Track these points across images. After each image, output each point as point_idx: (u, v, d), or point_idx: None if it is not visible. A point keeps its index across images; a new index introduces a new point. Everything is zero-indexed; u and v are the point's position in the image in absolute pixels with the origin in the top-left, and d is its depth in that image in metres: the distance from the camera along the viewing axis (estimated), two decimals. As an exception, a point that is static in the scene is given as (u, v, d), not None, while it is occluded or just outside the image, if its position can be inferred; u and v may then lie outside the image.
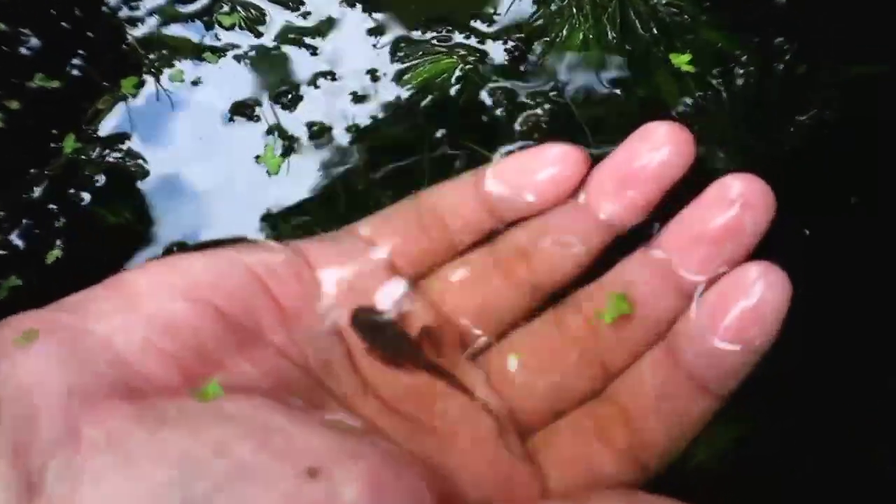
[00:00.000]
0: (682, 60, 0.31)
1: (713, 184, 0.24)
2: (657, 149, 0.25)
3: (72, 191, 0.30)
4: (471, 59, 0.31)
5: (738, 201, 0.24)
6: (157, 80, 0.32)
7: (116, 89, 0.32)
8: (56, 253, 0.28)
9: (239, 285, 0.23)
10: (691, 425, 0.24)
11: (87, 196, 0.30)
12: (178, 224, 0.29)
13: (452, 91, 0.31)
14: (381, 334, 0.24)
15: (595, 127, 0.29)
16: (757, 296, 0.23)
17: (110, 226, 0.29)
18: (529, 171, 0.26)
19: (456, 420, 0.24)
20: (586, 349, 0.25)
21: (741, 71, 0.30)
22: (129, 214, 0.29)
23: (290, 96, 0.31)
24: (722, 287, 0.23)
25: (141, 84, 0.32)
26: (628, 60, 0.31)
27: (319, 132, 0.31)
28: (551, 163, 0.26)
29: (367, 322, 0.24)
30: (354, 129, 0.31)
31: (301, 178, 0.30)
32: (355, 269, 0.25)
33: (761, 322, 0.23)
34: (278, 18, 0.33)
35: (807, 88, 0.30)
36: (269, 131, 0.31)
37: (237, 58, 0.32)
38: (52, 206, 0.29)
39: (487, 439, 0.23)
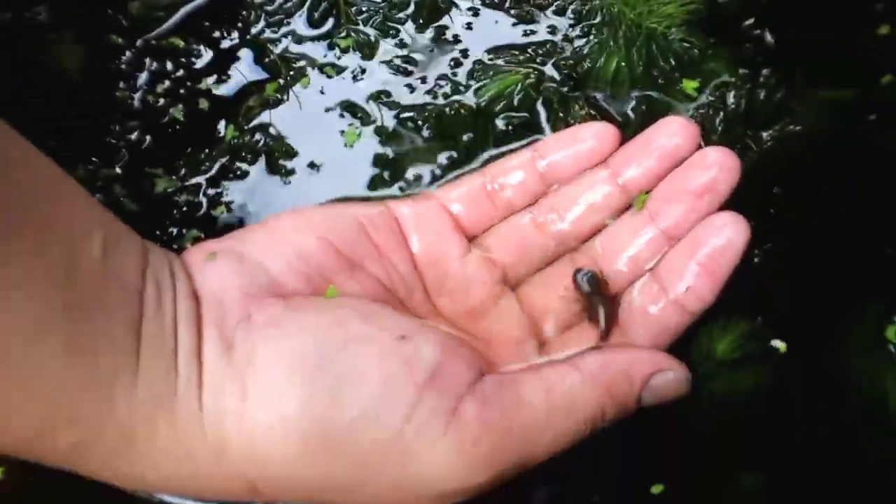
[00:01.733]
0: (690, 86, 0.40)
1: (695, 153, 0.33)
2: (671, 136, 0.34)
3: (234, 164, 0.40)
4: (532, 76, 0.41)
5: (714, 165, 0.33)
6: (292, 87, 0.43)
7: (263, 93, 0.43)
8: (222, 209, 0.39)
9: (347, 228, 0.32)
10: (668, 334, 0.32)
11: (246, 167, 0.40)
12: (309, 188, 0.39)
13: (515, 101, 0.41)
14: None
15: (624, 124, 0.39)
16: (725, 235, 0.31)
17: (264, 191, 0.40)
18: (572, 143, 0.35)
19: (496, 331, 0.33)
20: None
21: (734, 93, 0.40)
22: (278, 182, 0.40)
23: (386, 98, 0.42)
24: (699, 227, 0.32)
25: (281, 89, 0.43)
26: (650, 83, 0.41)
27: (406, 122, 0.41)
28: (589, 137, 0.35)
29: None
30: (438, 119, 0.41)
31: (390, 158, 0.40)
32: (432, 225, 0.34)
33: (726, 257, 0.31)
34: (382, 44, 0.44)
35: (782, 109, 0.39)
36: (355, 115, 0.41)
37: (352, 75, 0.43)
38: (219, 176, 0.40)
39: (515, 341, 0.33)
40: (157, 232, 0.38)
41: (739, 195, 0.34)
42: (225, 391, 0.26)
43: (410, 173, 0.39)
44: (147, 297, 0.27)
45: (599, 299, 0.32)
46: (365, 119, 0.41)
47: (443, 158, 0.40)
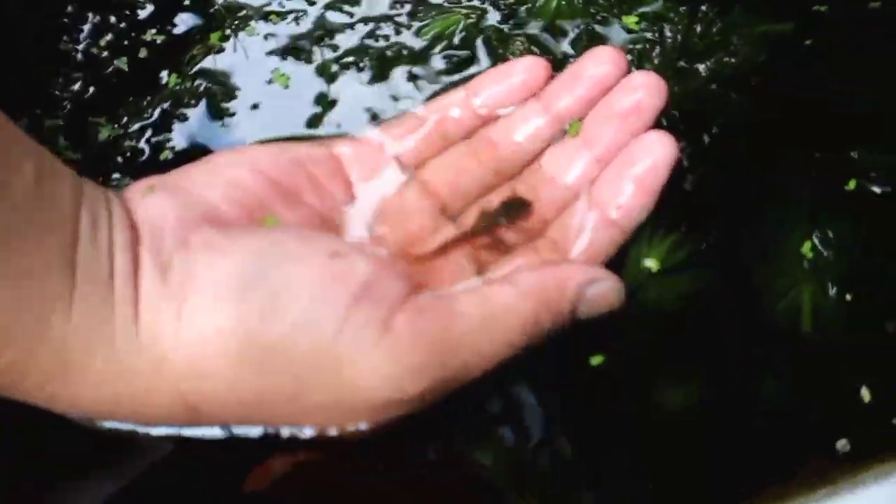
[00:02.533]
0: (631, 21, 0.41)
1: (623, 79, 0.34)
2: (601, 64, 0.35)
3: (177, 110, 0.41)
4: (472, 16, 0.42)
5: (640, 88, 0.34)
6: (236, 35, 0.43)
7: (207, 41, 0.43)
8: (167, 153, 0.39)
9: (284, 162, 0.33)
10: (602, 252, 0.33)
11: (189, 112, 0.40)
12: (251, 128, 0.40)
13: (456, 40, 0.41)
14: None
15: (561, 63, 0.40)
16: (654, 153, 0.32)
17: (206, 135, 0.40)
18: (504, 78, 0.36)
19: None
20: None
21: (671, 27, 0.40)
22: (220, 125, 0.40)
23: (329, 40, 0.42)
24: (629, 147, 0.33)
25: (225, 38, 0.43)
26: (590, 21, 0.41)
27: (348, 64, 0.41)
28: (520, 72, 0.36)
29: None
30: (380, 61, 0.41)
31: (330, 100, 0.40)
32: (371, 161, 0.36)
33: (656, 174, 0.32)
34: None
35: (719, 42, 0.40)
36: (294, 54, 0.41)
37: (296, 18, 0.43)
38: (161, 122, 0.40)
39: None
40: (101, 179, 0.38)
41: (673, 122, 0.34)
42: (161, 311, 0.27)
43: (351, 114, 0.40)
44: (82, 224, 0.27)
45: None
46: (307, 60, 0.41)
47: (383, 99, 0.40)
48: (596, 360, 0.32)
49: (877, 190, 0.35)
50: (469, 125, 0.37)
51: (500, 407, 0.32)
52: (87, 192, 0.29)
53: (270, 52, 0.42)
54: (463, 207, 0.35)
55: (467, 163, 0.36)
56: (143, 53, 0.42)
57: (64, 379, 0.26)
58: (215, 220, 0.30)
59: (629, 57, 0.39)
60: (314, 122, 0.39)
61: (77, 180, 0.29)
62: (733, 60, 0.39)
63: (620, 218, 0.33)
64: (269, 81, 0.41)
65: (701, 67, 0.39)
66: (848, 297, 0.32)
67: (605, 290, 0.31)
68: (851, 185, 0.35)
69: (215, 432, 0.29)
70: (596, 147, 0.34)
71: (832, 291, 0.33)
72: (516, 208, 0.34)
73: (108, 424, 0.29)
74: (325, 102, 0.40)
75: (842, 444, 0.30)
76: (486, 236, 0.34)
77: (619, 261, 0.33)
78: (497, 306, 0.29)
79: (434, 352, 0.28)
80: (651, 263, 0.34)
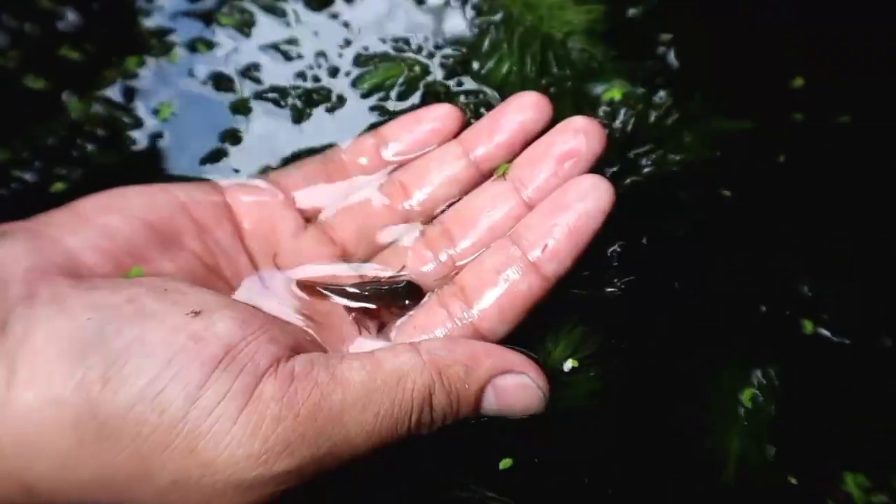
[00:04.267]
0: (614, 93, 0.38)
1: (561, 122, 0.32)
2: (523, 110, 0.33)
3: (77, 140, 0.37)
4: (416, 68, 0.39)
5: (579, 132, 0.31)
6: (157, 60, 0.39)
7: (122, 64, 0.39)
8: (60, 185, 0.36)
9: (164, 206, 0.30)
10: (520, 299, 0.30)
11: (89, 145, 0.37)
12: (152, 161, 0.36)
13: (395, 92, 0.38)
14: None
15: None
16: (589, 198, 0.30)
17: (103, 166, 0.37)
18: (417, 124, 0.34)
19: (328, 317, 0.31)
20: (443, 257, 0.32)
21: (625, 111, 0.37)
22: (117, 158, 0.37)
23: (255, 74, 0.39)
24: (562, 190, 0.30)
25: (142, 63, 0.39)
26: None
27: (277, 100, 0.38)
28: (434, 118, 0.34)
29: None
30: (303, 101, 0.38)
31: (238, 136, 0.37)
32: (262, 201, 0.33)
33: (590, 219, 0.29)
34: (265, 22, 0.40)
35: (671, 133, 0.37)
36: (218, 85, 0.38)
37: (225, 51, 0.40)
38: (59, 149, 0.37)
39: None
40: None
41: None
42: None
43: (256, 154, 0.37)
44: None
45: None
46: (226, 90, 0.38)
47: (296, 140, 0.37)
48: (504, 464, 0.29)
49: (831, 336, 0.31)
50: (378, 170, 0.34)
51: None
52: None
53: (187, 82, 0.39)
54: (368, 255, 0.33)
55: (375, 209, 0.33)
56: (56, 72, 0.38)
57: None
58: (73, 270, 0.26)
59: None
60: (214, 157, 0.36)
61: None
62: (683, 156, 0.36)
63: (544, 262, 0.29)
64: (173, 114, 0.38)
65: (649, 160, 0.36)
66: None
67: (524, 387, 0.28)
68: (808, 327, 0.32)
69: None
70: (525, 189, 0.32)
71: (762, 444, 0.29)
72: (403, 295, 0.31)
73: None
74: (233, 138, 0.37)
75: None
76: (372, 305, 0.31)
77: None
78: (387, 374, 0.26)
79: (305, 424, 0.25)
80: (568, 363, 0.30)
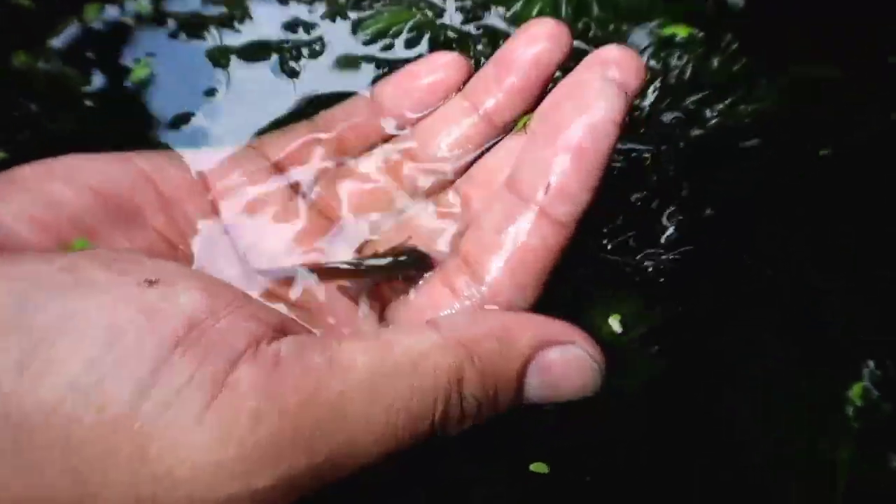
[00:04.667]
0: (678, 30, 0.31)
1: (592, 53, 0.25)
2: (533, 43, 0.26)
3: (20, 99, 0.31)
4: (428, 12, 0.33)
5: (613, 65, 0.24)
6: (121, 7, 0.33)
7: (81, 13, 0.33)
8: (1, 153, 0.30)
9: (123, 176, 0.24)
10: (532, 256, 0.23)
11: (32, 105, 0.31)
12: (108, 125, 0.30)
13: (401, 40, 0.32)
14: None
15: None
16: (592, 110, 0.23)
17: (56, 132, 0.30)
18: (414, 79, 0.28)
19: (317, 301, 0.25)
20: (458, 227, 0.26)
21: (679, 55, 0.31)
22: (72, 123, 0.30)
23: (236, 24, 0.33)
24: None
25: (102, 10, 0.33)
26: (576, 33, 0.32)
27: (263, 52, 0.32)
28: (433, 70, 0.28)
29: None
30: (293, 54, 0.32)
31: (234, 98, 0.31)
32: (241, 175, 0.27)
33: (599, 138, 0.23)
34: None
35: (739, 81, 0.30)
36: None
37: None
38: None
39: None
40: None
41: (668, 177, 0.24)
42: None
43: (239, 116, 0.30)
44: None
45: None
46: (200, 39, 0.32)
47: (284, 100, 0.30)
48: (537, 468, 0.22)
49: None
50: (374, 135, 0.28)
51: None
52: None
53: (153, 31, 0.32)
54: (368, 233, 0.27)
55: (375, 179, 0.27)
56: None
57: None
58: (3, 242, 0.20)
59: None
60: (180, 122, 0.30)
61: None
62: (755, 107, 0.29)
63: (552, 204, 0.23)
64: (137, 67, 0.31)
65: (713, 110, 0.30)
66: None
67: (576, 361, 0.21)
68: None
69: None
70: (559, 142, 0.24)
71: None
72: (408, 265, 0.25)
73: None
74: (210, 95, 0.31)
75: None
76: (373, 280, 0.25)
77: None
78: (401, 356, 0.20)
79: (296, 423, 0.18)
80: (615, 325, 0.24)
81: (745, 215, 0.28)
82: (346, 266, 0.25)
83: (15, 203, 0.22)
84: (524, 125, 0.26)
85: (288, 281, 0.25)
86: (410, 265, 0.25)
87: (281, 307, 0.24)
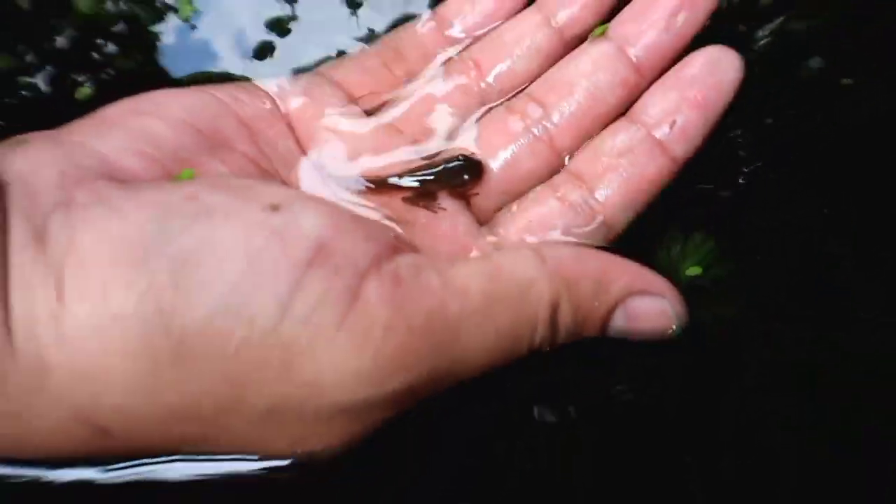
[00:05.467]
0: None
1: None
2: None
3: (96, 39, 0.32)
4: None
5: None
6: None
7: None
8: (86, 90, 0.31)
9: (207, 107, 0.26)
10: (647, 184, 0.26)
11: (107, 43, 0.32)
12: (184, 60, 0.31)
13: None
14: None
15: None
16: (718, 68, 0.26)
17: (127, 70, 0.31)
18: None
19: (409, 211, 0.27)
20: (536, 131, 0.28)
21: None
22: (142, 57, 0.31)
23: None
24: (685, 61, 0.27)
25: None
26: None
27: None
28: None
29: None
30: None
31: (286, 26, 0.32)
32: (317, 102, 0.28)
33: (720, 92, 0.26)
34: None
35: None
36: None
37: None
38: (72, 52, 0.31)
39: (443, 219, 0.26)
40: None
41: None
42: (36, 290, 0.19)
43: (306, 46, 0.32)
44: None
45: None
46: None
47: (348, 27, 0.32)
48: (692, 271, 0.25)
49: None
50: (440, 52, 0.30)
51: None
52: None
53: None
54: (441, 145, 0.28)
55: (446, 92, 0.29)
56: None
57: None
58: (113, 175, 0.22)
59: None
60: (261, 53, 0.31)
61: None
62: (801, 25, 0.30)
63: (673, 141, 0.26)
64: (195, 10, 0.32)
65: (760, 32, 0.31)
66: None
67: (657, 310, 0.24)
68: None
69: (140, 465, 0.21)
70: (633, 48, 0.27)
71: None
72: (461, 171, 0.27)
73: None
74: (281, 28, 0.31)
75: None
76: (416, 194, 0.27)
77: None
78: (510, 283, 0.22)
79: (422, 335, 0.21)
80: (692, 271, 0.26)
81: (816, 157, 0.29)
82: (394, 179, 0.27)
83: (115, 139, 0.23)
84: (603, 32, 0.28)
85: (385, 192, 0.27)
86: (462, 171, 0.26)
87: (387, 222, 0.26)
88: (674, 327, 0.24)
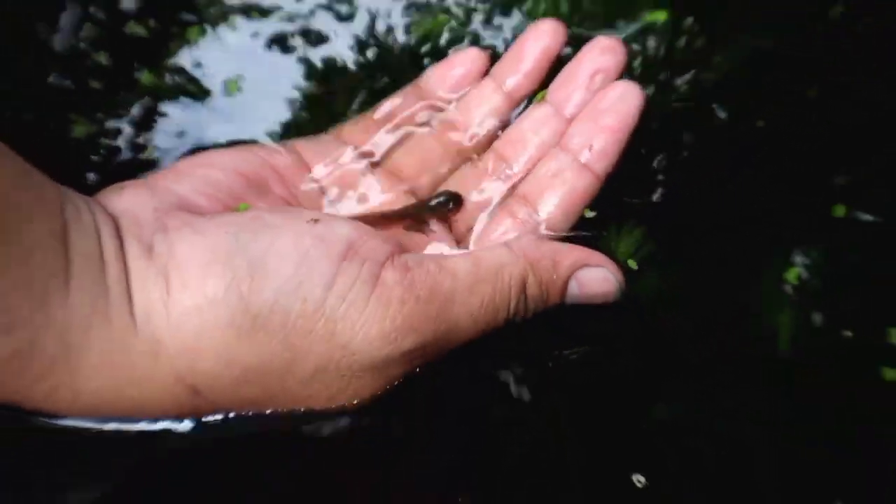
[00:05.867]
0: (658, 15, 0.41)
1: (588, 43, 0.36)
2: (541, 38, 0.37)
3: (158, 107, 0.40)
4: (461, 17, 0.42)
5: (603, 51, 0.36)
6: (215, 28, 0.42)
7: (184, 35, 0.42)
8: (151, 152, 0.39)
9: (250, 160, 0.34)
10: (578, 197, 0.34)
11: (167, 108, 0.40)
12: (225, 128, 0.40)
13: (444, 39, 0.42)
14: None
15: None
16: (623, 99, 0.34)
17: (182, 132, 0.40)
18: (450, 70, 0.38)
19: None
20: (496, 176, 0.36)
21: (656, 37, 0.40)
22: (193, 126, 0.40)
23: (315, 36, 0.42)
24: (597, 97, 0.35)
25: (203, 32, 0.42)
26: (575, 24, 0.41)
27: (331, 64, 0.41)
28: (463, 62, 0.38)
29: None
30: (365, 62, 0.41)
31: (305, 100, 0.41)
32: (330, 152, 0.36)
33: (627, 116, 0.34)
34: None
35: (701, 54, 0.40)
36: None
37: (282, 17, 0.42)
38: (142, 118, 0.40)
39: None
40: (78, 178, 0.38)
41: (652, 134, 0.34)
42: (150, 287, 0.27)
43: (323, 116, 0.40)
44: (67, 212, 0.27)
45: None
46: (287, 52, 0.41)
47: (359, 100, 0.40)
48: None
49: (865, 217, 0.35)
50: (424, 114, 0.38)
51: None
52: (63, 189, 0.29)
53: (250, 48, 0.41)
54: (432, 187, 0.37)
55: (429, 145, 0.37)
56: (121, 47, 0.41)
57: (66, 363, 0.25)
58: (189, 210, 0.30)
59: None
60: (290, 124, 0.40)
61: (52, 181, 0.29)
62: (714, 75, 0.39)
63: (594, 161, 0.34)
64: (242, 79, 0.41)
65: (682, 80, 0.39)
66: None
67: (602, 279, 0.31)
68: (840, 211, 0.35)
69: (216, 419, 0.28)
70: (566, 108, 0.36)
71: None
72: (445, 199, 0.34)
73: (112, 425, 0.27)
74: (299, 104, 0.40)
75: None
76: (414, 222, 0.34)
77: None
78: (488, 265, 0.30)
79: (426, 304, 0.28)
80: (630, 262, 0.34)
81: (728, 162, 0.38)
82: (395, 212, 0.34)
83: (188, 184, 0.31)
84: (543, 97, 0.37)
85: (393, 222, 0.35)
86: (446, 203, 0.34)
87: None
88: (615, 291, 0.32)
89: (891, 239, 0.34)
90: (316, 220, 0.29)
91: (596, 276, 0.31)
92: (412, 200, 0.36)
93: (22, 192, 0.25)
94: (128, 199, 0.29)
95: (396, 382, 0.29)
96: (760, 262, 0.34)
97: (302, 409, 0.29)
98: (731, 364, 0.32)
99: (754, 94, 0.39)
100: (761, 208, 0.36)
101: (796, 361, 0.32)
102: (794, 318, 0.33)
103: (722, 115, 0.38)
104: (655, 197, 0.36)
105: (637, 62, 0.40)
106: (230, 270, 0.27)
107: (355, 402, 0.29)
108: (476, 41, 0.41)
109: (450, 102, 0.38)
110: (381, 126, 0.38)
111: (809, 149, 0.37)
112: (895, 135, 0.37)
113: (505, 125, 0.37)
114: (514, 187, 0.35)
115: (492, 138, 0.37)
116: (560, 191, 0.34)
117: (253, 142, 0.39)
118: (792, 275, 0.34)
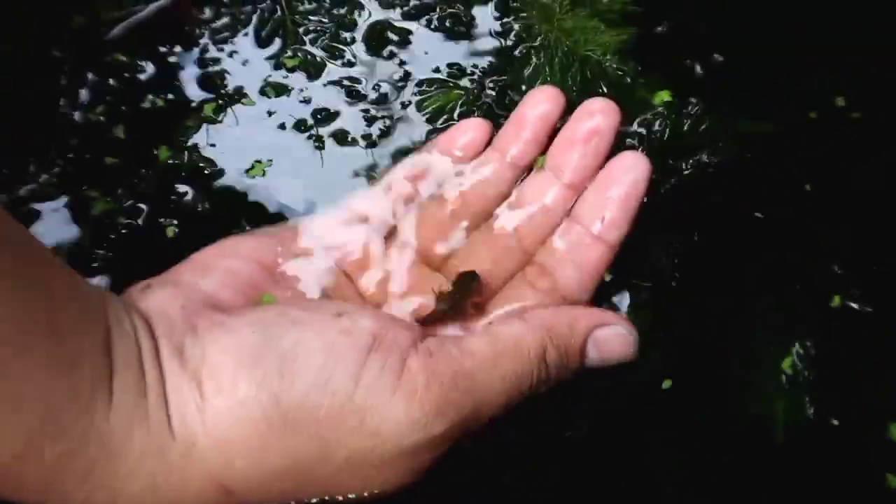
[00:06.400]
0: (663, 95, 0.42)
1: (580, 107, 0.37)
2: (537, 105, 0.38)
3: (177, 185, 0.41)
4: (474, 92, 0.44)
5: (596, 112, 0.36)
6: (231, 107, 0.43)
7: (201, 112, 0.43)
8: (173, 229, 0.40)
9: (267, 246, 0.35)
10: (592, 267, 0.35)
11: (184, 188, 0.41)
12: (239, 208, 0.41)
13: (456, 114, 0.43)
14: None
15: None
16: (632, 170, 0.35)
17: (199, 211, 0.41)
18: (455, 140, 0.39)
19: None
20: (508, 244, 0.37)
21: (660, 122, 0.42)
22: (209, 204, 0.41)
23: (329, 119, 0.43)
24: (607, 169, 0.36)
25: (219, 109, 0.43)
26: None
27: (343, 139, 0.42)
28: (466, 130, 0.39)
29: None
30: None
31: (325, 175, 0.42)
32: (347, 231, 0.37)
33: (636, 188, 0.35)
34: (329, 65, 0.44)
35: (704, 139, 0.41)
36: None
37: (295, 93, 0.44)
38: (160, 196, 0.41)
39: None
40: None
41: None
42: (184, 390, 0.28)
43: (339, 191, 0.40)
44: (110, 318, 0.28)
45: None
46: (302, 131, 0.42)
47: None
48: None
49: (859, 308, 0.36)
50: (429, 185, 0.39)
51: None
52: (104, 295, 0.30)
53: (265, 126, 0.43)
54: (443, 259, 0.37)
55: (440, 216, 0.38)
56: (139, 121, 0.42)
57: (106, 467, 0.26)
58: (216, 305, 0.31)
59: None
60: (305, 203, 0.40)
61: (96, 288, 0.31)
62: (716, 159, 0.41)
63: (606, 232, 0.35)
64: (257, 161, 0.42)
65: (683, 165, 0.41)
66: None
67: (618, 336, 0.32)
68: (836, 301, 0.36)
69: None
70: (565, 173, 0.37)
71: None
72: (467, 283, 0.35)
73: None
74: (318, 182, 0.41)
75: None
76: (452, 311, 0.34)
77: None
78: (507, 340, 0.31)
79: (449, 389, 0.28)
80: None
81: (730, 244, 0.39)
82: (432, 312, 0.34)
83: (211, 278, 0.32)
84: (542, 164, 0.37)
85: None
86: (469, 286, 0.34)
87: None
88: (632, 349, 0.33)
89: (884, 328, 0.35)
90: (340, 314, 0.30)
91: (612, 335, 0.32)
92: (429, 271, 0.36)
93: (72, 303, 0.27)
94: (157, 299, 0.30)
95: (426, 467, 0.29)
96: (760, 350, 0.36)
97: (333, 498, 0.30)
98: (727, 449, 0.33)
99: (754, 178, 0.40)
100: (763, 294, 0.37)
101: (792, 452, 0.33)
102: (788, 407, 0.34)
103: (721, 198, 0.40)
104: (661, 275, 0.37)
105: (643, 146, 0.41)
106: (260, 370, 0.28)
107: (387, 488, 0.29)
108: (489, 115, 0.42)
109: (457, 173, 0.39)
110: (390, 197, 0.38)
111: (807, 233, 0.39)
112: (891, 223, 0.39)
113: (507, 193, 0.38)
114: (530, 257, 0.36)
115: (496, 206, 0.38)
116: (576, 263, 0.35)
117: (271, 220, 0.40)
118: (787, 364, 0.35)
